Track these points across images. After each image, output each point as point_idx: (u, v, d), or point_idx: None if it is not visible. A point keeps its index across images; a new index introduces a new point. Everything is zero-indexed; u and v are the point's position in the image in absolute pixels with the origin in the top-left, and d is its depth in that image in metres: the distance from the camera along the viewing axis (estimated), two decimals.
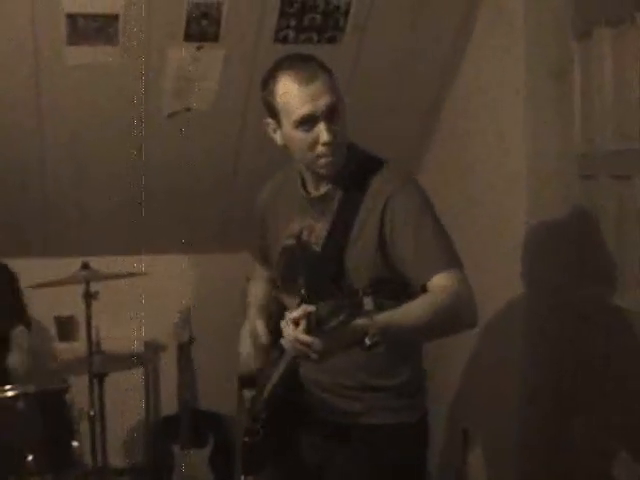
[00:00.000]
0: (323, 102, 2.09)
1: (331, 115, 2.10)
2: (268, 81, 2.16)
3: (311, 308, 1.82)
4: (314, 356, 1.88)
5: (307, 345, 1.86)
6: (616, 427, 2.87)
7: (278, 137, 2.20)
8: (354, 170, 2.20)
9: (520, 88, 3.15)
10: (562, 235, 3.10)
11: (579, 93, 3.05)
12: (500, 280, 3.29)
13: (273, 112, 2.17)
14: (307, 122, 2.10)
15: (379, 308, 1.79)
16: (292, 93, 2.10)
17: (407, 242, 2.11)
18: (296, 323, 1.86)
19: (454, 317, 2.06)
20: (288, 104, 2.11)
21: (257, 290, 2.54)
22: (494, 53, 3.37)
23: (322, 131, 2.09)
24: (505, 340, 3.32)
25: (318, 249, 2.21)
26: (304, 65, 2.12)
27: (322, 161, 2.14)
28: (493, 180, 3.40)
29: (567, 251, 3.09)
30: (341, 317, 1.76)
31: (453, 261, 2.11)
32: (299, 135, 2.12)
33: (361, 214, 2.15)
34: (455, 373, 3.73)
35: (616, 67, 2.84)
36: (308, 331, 1.83)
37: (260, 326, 2.34)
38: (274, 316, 2.35)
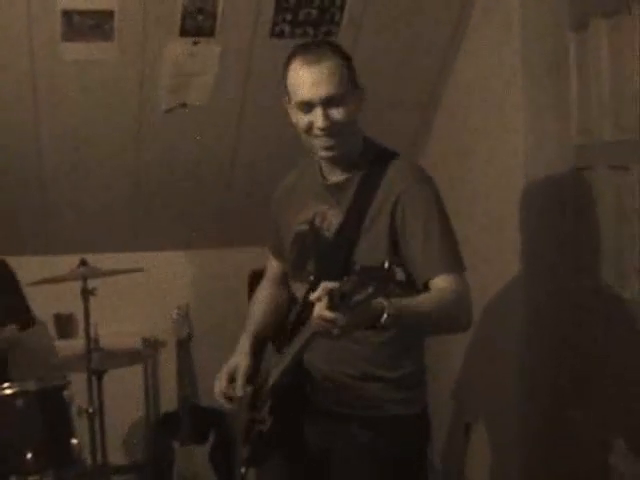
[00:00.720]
0: (322, 89, 2.12)
1: (332, 102, 2.12)
2: (286, 62, 2.21)
3: (332, 285, 1.81)
4: (336, 331, 1.86)
5: (331, 321, 1.85)
6: (616, 418, 2.87)
7: (292, 115, 2.24)
8: (372, 160, 2.23)
9: (517, 80, 3.14)
10: (560, 226, 3.10)
11: (576, 84, 3.05)
12: (498, 273, 3.29)
13: (287, 91, 2.21)
14: (306, 105, 2.14)
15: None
16: (296, 76, 2.15)
17: (415, 240, 2.14)
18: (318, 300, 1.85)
19: (454, 317, 2.11)
20: (292, 86, 2.17)
21: (261, 300, 2.53)
22: (491, 45, 3.36)
23: (318, 116, 2.13)
24: (504, 332, 3.32)
25: (330, 236, 2.23)
26: (313, 49, 2.17)
27: (317, 142, 2.17)
28: (491, 172, 3.40)
29: (565, 242, 3.09)
30: (370, 289, 1.75)
31: (456, 264, 2.15)
32: (300, 115, 2.17)
33: (374, 206, 2.18)
34: (456, 367, 3.73)
35: (613, 58, 2.83)
36: (331, 307, 1.82)
37: (241, 370, 2.36)
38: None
